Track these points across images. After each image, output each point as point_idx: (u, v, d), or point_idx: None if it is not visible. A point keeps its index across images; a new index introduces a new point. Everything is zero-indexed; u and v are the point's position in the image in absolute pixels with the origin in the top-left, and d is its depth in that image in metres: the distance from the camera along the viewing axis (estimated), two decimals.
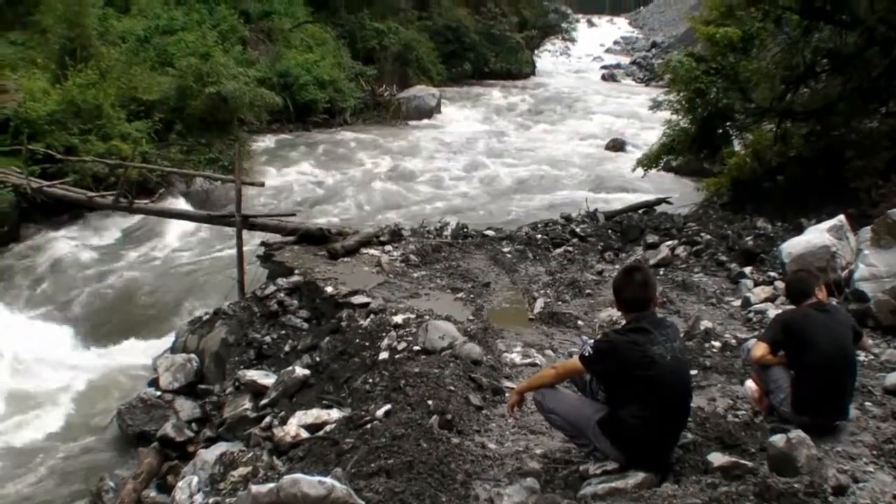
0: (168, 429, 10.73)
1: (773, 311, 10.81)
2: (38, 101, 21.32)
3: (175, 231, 19.46)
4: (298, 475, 5.55)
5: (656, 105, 19.83)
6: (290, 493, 5.26)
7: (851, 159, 15.42)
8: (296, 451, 8.17)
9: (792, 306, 7.82)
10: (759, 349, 7.34)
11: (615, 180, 24.84)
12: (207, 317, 12.86)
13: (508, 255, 14.46)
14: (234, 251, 14.65)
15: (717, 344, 10.00)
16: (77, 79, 22.09)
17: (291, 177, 25.41)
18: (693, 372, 8.31)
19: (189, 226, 19.05)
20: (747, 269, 12.96)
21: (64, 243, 19.01)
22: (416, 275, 13.07)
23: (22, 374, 13.59)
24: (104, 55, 24.96)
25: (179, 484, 9.02)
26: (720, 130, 18.51)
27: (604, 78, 59.03)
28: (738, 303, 11.84)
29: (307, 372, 10.22)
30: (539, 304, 11.85)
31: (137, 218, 19.52)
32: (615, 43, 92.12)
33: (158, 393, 11.69)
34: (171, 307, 15.97)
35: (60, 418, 12.31)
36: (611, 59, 73.67)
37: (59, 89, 21.96)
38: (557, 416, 6.53)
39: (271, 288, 12.60)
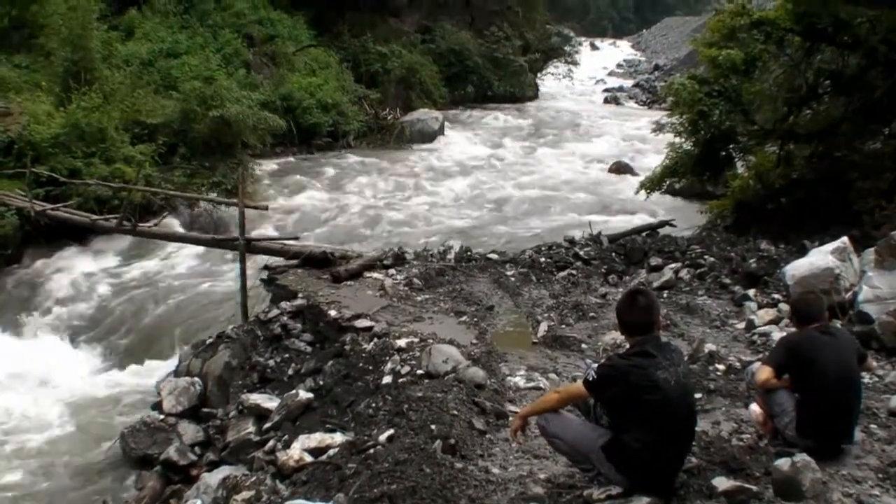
0: (171, 452, 10.71)
1: (777, 334, 10.81)
2: (43, 124, 21.34)
3: (178, 254, 19.46)
4: (300, 501, 5.55)
5: (659, 128, 19.79)
6: None
7: (855, 181, 15.43)
8: (299, 476, 8.16)
9: (794, 329, 7.82)
10: (764, 373, 7.33)
11: (618, 203, 24.82)
12: (211, 340, 12.84)
13: (512, 279, 14.43)
14: (237, 274, 14.65)
15: (721, 367, 9.99)
16: (81, 102, 22.11)
17: (295, 200, 25.42)
18: (697, 395, 8.29)
19: (192, 249, 19.05)
20: (751, 292, 12.95)
21: (67, 266, 19.00)
22: (419, 298, 13.06)
23: (24, 396, 13.59)
24: (108, 78, 25.02)
25: None
26: (723, 153, 18.49)
27: (607, 101, 58.99)
28: (742, 325, 11.82)
29: (310, 395, 10.21)
30: (543, 328, 11.83)
31: (140, 241, 19.50)
32: (618, 66, 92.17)
33: (162, 416, 11.67)
34: (175, 330, 15.95)
35: (63, 441, 12.30)
36: (613, 82, 73.69)
37: (63, 112, 21.97)
38: (561, 440, 6.52)
39: (275, 311, 12.59)
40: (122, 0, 34.16)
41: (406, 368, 9.68)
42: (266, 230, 20.84)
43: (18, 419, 12.90)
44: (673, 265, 14.74)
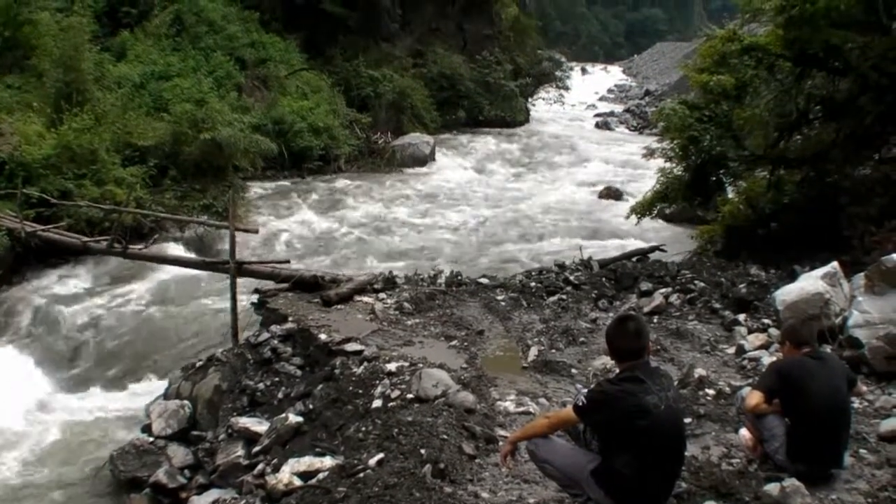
0: (160, 475, 10.69)
1: (767, 359, 10.85)
2: (34, 145, 21.31)
3: (168, 277, 19.40)
4: None
5: (650, 153, 19.81)
6: None
7: (845, 206, 15.47)
8: (288, 500, 8.14)
9: (784, 354, 7.84)
10: (754, 398, 7.35)
11: (609, 228, 24.85)
12: (201, 363, 12.84)
13: (502, 303, 14.42)
14: (227, 297, 14.63)
15: (711, 392, 10.00)
16: (72, 123, 22.09)
17: (286, 223, 25.40)
18: (687, 420, 8.29)
19: (183, 272, 18.97)
20: (741, 317, 12.97)
21: (57, 288, 18.97)
22: (409, 322, 13.06)
23: (13, 418, 13.53)
24: (100, 100, 24.97)
25: None
26: (714, 178, 18.47)
27: (598, 126, 59.12)
28: (732, 350, 11.84)
29: (300, 419, 10.19)
30: (533, 353, 11.83)
31: (131, 263, 19.45)
32: (609, 91, 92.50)
33: (151, 439, 11.66)
34: (165, 353, 15.93)
35: (52, 463, 12.26)
36: (604, 107, 73.90)
37: (55, 133, 21.94)
38: (551, 465, 6.52)
39: (265, 335, 12.57)
40: (115, 22, 34.21)
41: (396, 392, 9.67)
42: (257, 253, 20.81)
43: (5, 442, 12.85)
44: (663, 290, 14.75)
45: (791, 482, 6.31)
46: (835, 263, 12.22)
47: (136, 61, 31.80)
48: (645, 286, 15.11)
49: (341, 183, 32.11)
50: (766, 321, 12.47)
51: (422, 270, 16.68)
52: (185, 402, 12.20)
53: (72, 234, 19.09)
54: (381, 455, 7.99)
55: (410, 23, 50.47)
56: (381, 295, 14.39)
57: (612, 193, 30.42)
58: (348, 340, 11.62)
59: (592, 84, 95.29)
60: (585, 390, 6.37)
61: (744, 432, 7.82)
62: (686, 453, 6.63)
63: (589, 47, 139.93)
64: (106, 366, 15.90)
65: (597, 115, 65.45)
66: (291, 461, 8.92)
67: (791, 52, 16.27)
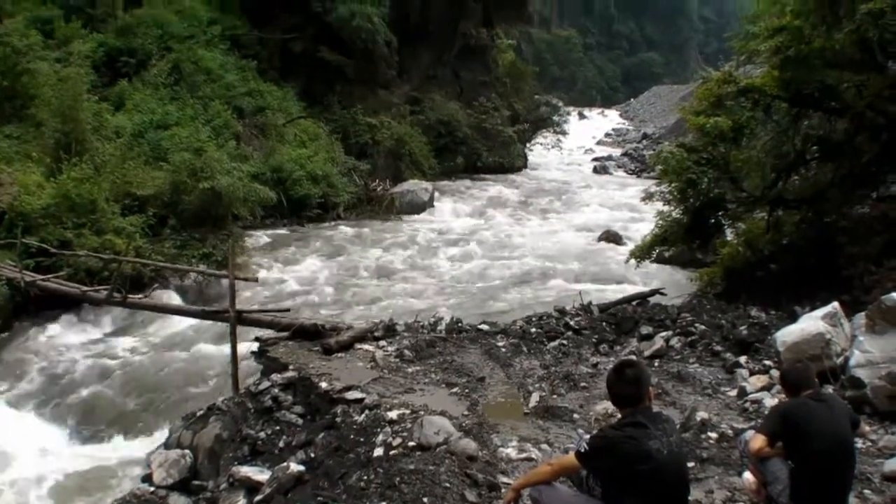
0: None
1: (769, 401, 10.83)
2: (33, 195, 21.39)
3: (168, 326, 19.41)
4: None
5: (648, 196, 19.82)
6: None
7: (844, 245, 15.50)
8: None
9: (786, 397, 7.82)
10: (758, 441, 7.32)
11: (609, 272, 24.81)
12: (201, 412, 12.77)
13: (503, 349, 14.39)
14: (227, 346, 14.60)
15: (713, 435, 9.96)
16: (72, 173, 22.14)
17: (285, 272, 25.40)
18: (690, 464, 8.25)
19: (183, 321, 19.00)
20: (742, 359, 12.95)
21: (57, 337, 18.98)
22: (410, 370, 13.01)
23: (13, 469, 13.48)
24: (99, 149, 25.05)
25: None
26: (712, 220, 18.51)
27: (595, 170, 59.31)
28: (734, 393, 11.81)
29: (302, 468, 10.13)
30: (534, 398, 11.79)
31: (131, 313, 19.46)
32: (606, 135, 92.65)
33: (152, 488, 11.60)
34: (165, 402, 15.87)
35: None
36: (602, 151, 74.03)
37: (54, 183, 22.02)
38: None
39: (265, 383, 12.52)
40: (113, 71, 34.47)
41: (398, 440, 9.62)
42: (257, 302, 20.81)
43: (5, 492, 12.79)
44: (664, 334, 14.74)
45: None
46: (835, 303, 12.23)
47: (135, 111, 32.00)
48: (645, 330, 15.10)
49: (340, 231, 32.20)
50: (768, 363, 12.47)
51: (422, 317, 16.64)
52: (186, 451, 12.14)
53: (71, 283, 19.08)
54: None
55: (407, 70, 50.79)
56: (382, 342, 14.36)
57: (611, 237, 30.41)
58: (349, 388, 11.58)
59: (590, 128, 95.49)
60: (587, 436, 6.35)
61: (747, 476, 7.79)
62: (690, 498, 6.59)
63: (586, 92, 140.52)
64: (106, 415, 15.84)
65: (595, 160, 65.63)
66: None
67: (787, 92, 16.38)
